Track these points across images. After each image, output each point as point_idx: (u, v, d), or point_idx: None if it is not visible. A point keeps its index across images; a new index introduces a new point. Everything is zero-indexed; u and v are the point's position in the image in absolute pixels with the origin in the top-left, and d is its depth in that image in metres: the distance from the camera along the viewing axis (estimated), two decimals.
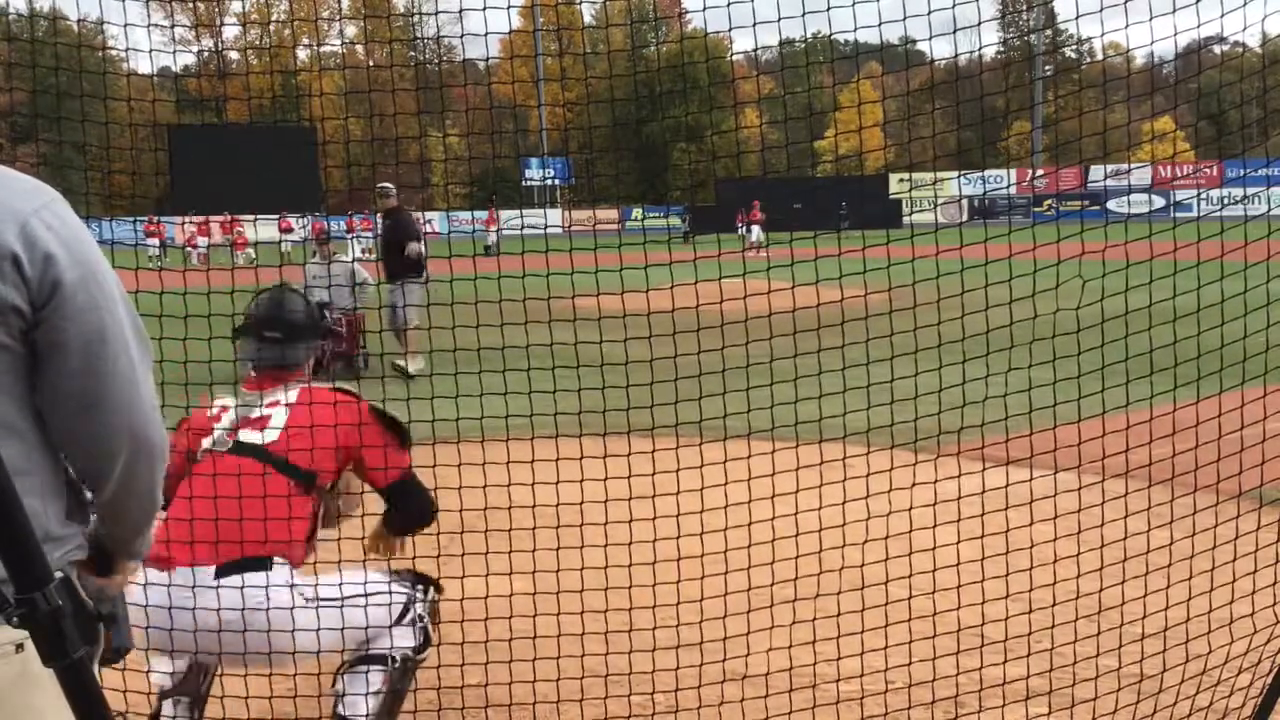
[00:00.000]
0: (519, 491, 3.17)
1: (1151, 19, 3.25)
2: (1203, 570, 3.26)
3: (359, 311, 11.34)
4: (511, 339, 3.46)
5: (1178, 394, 3.41)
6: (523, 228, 45.05)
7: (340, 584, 2.91)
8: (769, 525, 3.27)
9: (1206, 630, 3.20)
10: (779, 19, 3.38)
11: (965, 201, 41.25)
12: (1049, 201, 39.50)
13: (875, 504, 3.35)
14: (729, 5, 3.31)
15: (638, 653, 3.21)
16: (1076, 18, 3.53)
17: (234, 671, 2.98)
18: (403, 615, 2.99)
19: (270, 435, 2.98)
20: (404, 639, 2.99)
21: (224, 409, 3.09)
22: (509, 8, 3.83)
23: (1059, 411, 3.40)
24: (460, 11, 3.52)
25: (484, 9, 3.46)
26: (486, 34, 3.85)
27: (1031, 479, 3.38)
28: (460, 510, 3.17)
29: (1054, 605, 3.32)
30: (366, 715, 2.91)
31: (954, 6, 3.48)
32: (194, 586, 2.71)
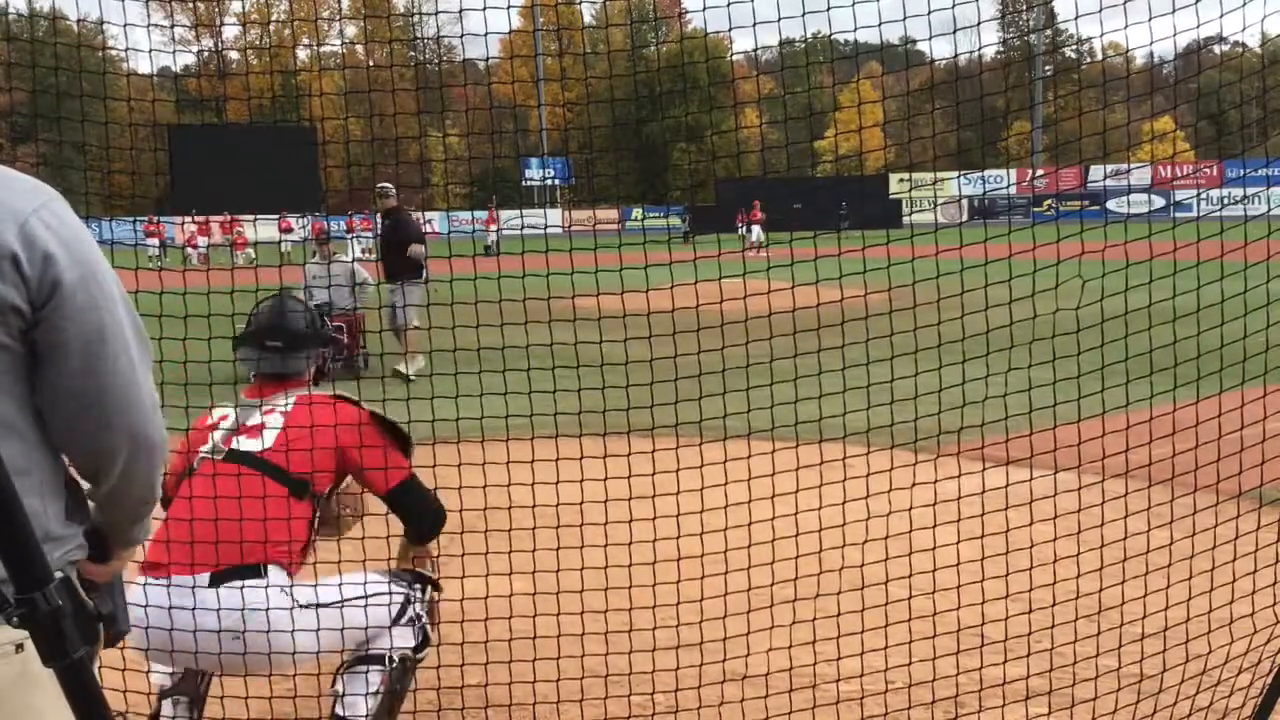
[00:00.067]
0: (519, 491, 3.17)
1: (1151, 19, 3.25)
2: (1203, 570, 3.26)
3: (359, 311, 11.34)
4: (511, 339, 3.46)
5: (1178, 394, 3.41)
6: (523, 228, 45.04)
7: (339, 585, 2.91)
8: (769, 525, 3.27)
9: (1206, 630, 3.20)
10: (779, 19, 3.38)
11: (965, 201, 41.26)
12: (1049, 201, 39.50)
13: (875, 504, 3.35)
14: (729, 5, 3.31)
15: (638, 653, 3.21)
16: (1076, 18, 3.53)
17: (234, 675, 2.98)
18: (401, 614, 2.99)
19: (265, 442, 2.98)
20: (403, 639, 2.99)
21: (223, 417, 3.09)
22: (509, 8, 3.84)
23: (1059, 411, 3.40)
24: (460, 11, 3.52)
25: (484, 9, 3.46)
26: (486, 34, 3.86)
27: (1031, 479, 3.38)
28: (460, 510, 3.17)
29: (1054, 605, 3.32)
30: (366, 715, 2.91)
31: (954, 6, 3.48)
32: (192, 600, 2.71)
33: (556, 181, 52.83)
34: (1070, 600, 3.28)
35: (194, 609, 2.70)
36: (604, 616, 3.21)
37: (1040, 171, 42.23)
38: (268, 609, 2.73)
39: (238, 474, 2.86)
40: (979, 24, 3.64)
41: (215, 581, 2.74)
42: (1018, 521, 3.39)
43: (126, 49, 3.92)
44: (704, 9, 3.40)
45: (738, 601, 3.25)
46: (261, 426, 3.02)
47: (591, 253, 3.51)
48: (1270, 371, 3.63)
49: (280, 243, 30.77)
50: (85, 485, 1.74)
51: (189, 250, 34.27)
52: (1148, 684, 3.19)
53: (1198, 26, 3.27)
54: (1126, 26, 3.29)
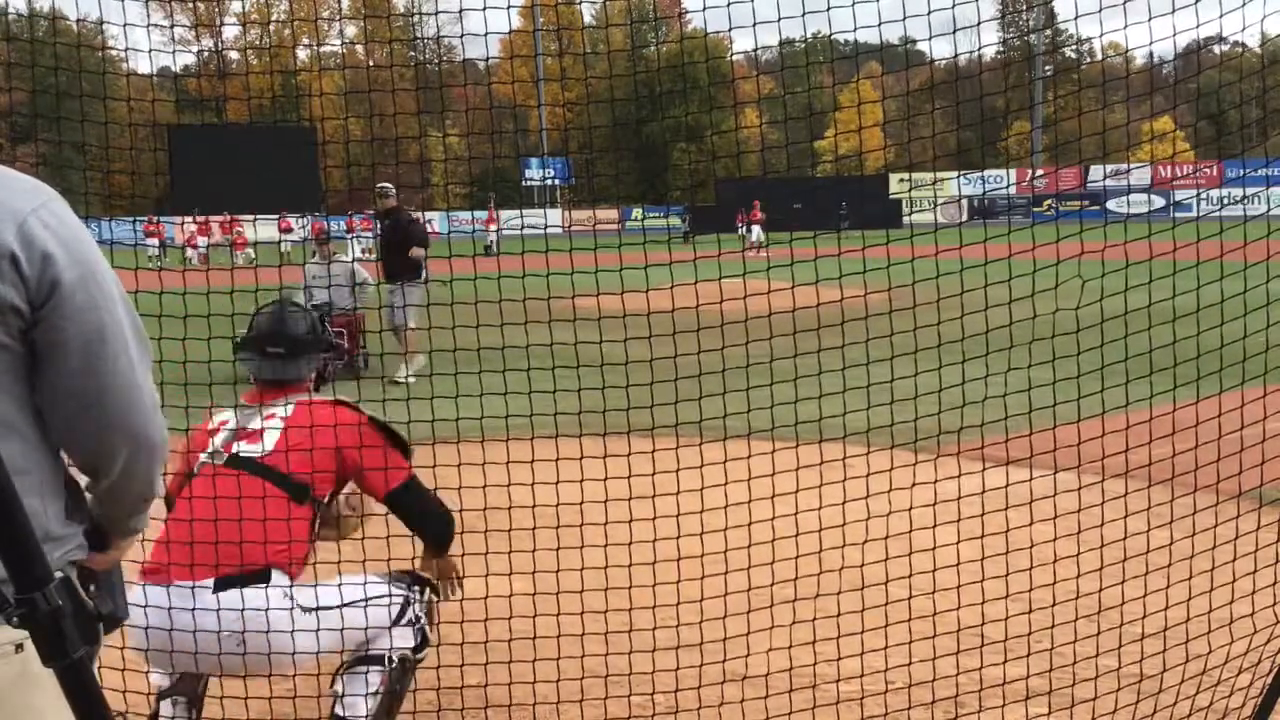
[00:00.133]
0: (519, 491, 3.17)
1: (1151, 19, 3.25)
2: (1203, 570, 3.26)
3: (359, 311, 11.34)
4: (511, 339, 3.46)
5: (1177, 394, 3.41)
6: (523, 228, 45.04)
7: (339, 587, 2.91)
8: (769, 525, 3.27)
9: (1206, 630, 3.20)
10: (779, 19, 3.38)
11: (965, 201, 41.26)
12: (1049, 201, 39.49)
13: (875, 504, 3.35)
14: (729, 5, 3.31)
15: (638, 653, 3.21)
16: (1076, 18, 3.53)
17: (234, 676, 2.98)
18: (400, 616, 2.99)
19: (265, 447, 2.98)
20: (402, 639, 3.00)
21: (223, 423, 3.09)
22: (509, 8, 3.84)
23: (1059, 411, 3.40)
24: (460, 11, 3.52)
25: (484, 9, 3.46)
26: (486, 34, 3.86)
27: (1031, 479, 3.38)
28: (460, 510, 3.17)
29: (1054, 605, 3.32)
30: (365, 715, 2.91)
31: (954, 6, 3.48)
32: (193, 604, 2.71)
33: (556, 181, 52.82)
34: (1070, 600, 3.28)
35: (196, 612, 2.70)
36: (604, 616, 3.21)
37: (1040, 171, 42.23)
38: (269, 611, 2.73)
39: (239, 479, 2.86)
40: (979, 24, 3.64)
41: (220, 586, 2.75)
42: (1018, 521, 3.38)
43: (126, 49, 3.91)
44: (704, 9, 3.41)
45: (738, 601, 3.25)
46: (261, 431, 3.02)
47: (591, 253, 3.51)
48: (1270, 371, 3.63)
49: (280, 243, 30.75)
50: (85, 480, 1.74)
51: (189, 250, 34.26)
52: (1148, 684, 3.19)
53: (1197, 26, 3.27)
54: (1126, 26, 3.29)
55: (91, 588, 1.75)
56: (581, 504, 3.14)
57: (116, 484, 1.72)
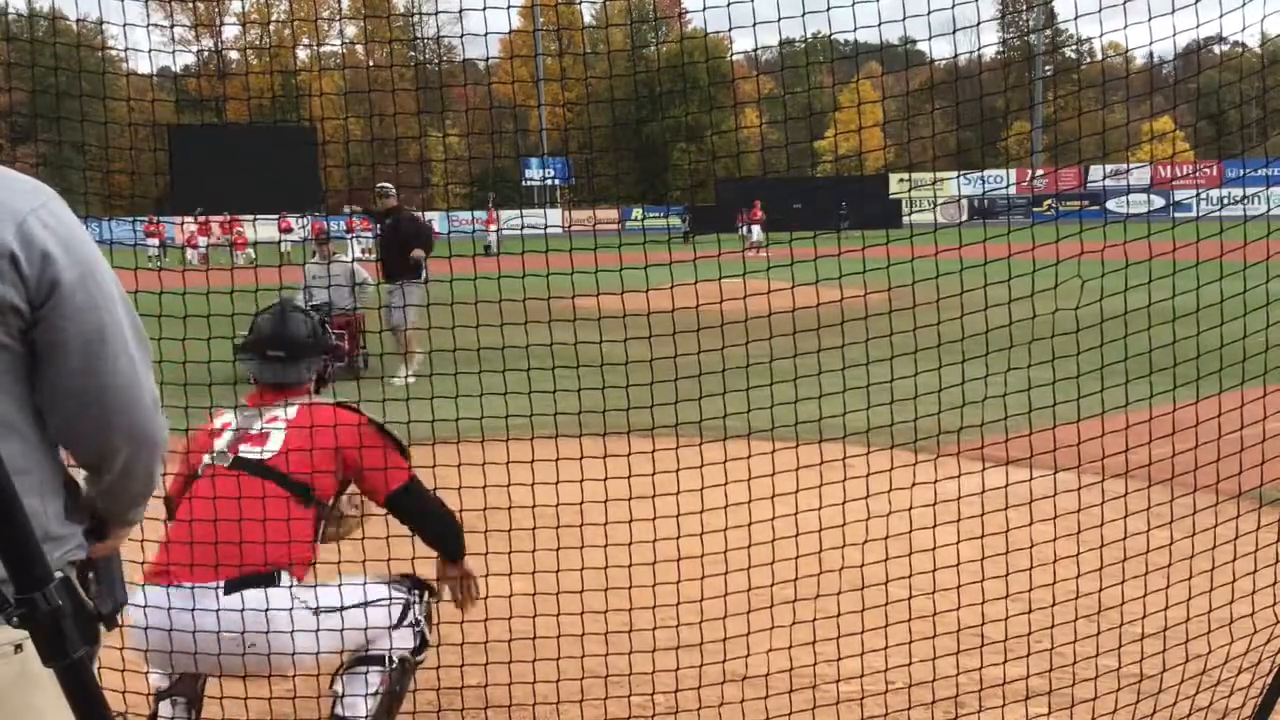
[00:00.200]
0: (519, 491, 3.17)
1: (1151, 19, 3.25)
2: (1203, 570, 3.26)
3: (359, 311, 11.33)
4: (511, 339, 3.46)
5: (1177, 394, 3.41)
6: (523, 228, 45.03)
7: (339, 588, 2.91)
8: (769, 525, 3.27)
9: (1206, 630, 3.20)
10: (779, 19, 3.38)
11: (965, 201, 41.25)
12: (1048, 201, 39.49)
13: (875, 504, 3.35)
14: (729, 5, 3.32)
15: (638, 653, 3.21)
16: (1076, 18, 3.53)
17: (234, 676, 2.98)
18: (401, 619, 3.00)
19: (270, 450, 2.98)
20: (402, 641, 3.00)
21: (225, 425, 3.09)
22: (509, 8, 3.84)
23: (1059, 411, 3.40)
24: (460, 11, 3.52)
25: (484, 9, 3.46)
26: (486, 34, 3.86)
27: (1031, 479, 3.38)
28: (460, 510, 3.17)
29: (1054, 605, 3.32)
30: (365, 716, 2.91)
31: (954, 6, 3.48)
32: (202, 605, 2.71)
33: (556, 181, 52.80)
34: (1070, 600, 3.28)
35: (205, 613, 2.70)
36: (604, 616, 3.21)
37: (1040, 171, 42.22)
38: (277, 613, 2.73)
39: (245, 481, 2.86)
40: (979, 24, 3.64)
41: (230, 588, 2.75)
42: (1018, 521, 3.38)
43: (126, 49, 3.91)
44: (704, 9, 3.41)
45: (738, 602, 3.25)
46: (265, 434, 3.02)
47: (591, 253, 3.51)
48: (1270, 371, 3.63)
49: (280, 243, 30.74)
50: (84, 474, 1.75)
51: (189, 250, 34.25)
52: (1148, 684, 3.19)
53: (1197, 26, 3.28)
54: (1126, 26, 3.29)
55: (90, 576, 1.76)
56: (581, 504, 3.14)
57: (117, 481, 1.72)
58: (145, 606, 2.76)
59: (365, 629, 2.91)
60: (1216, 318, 3.27)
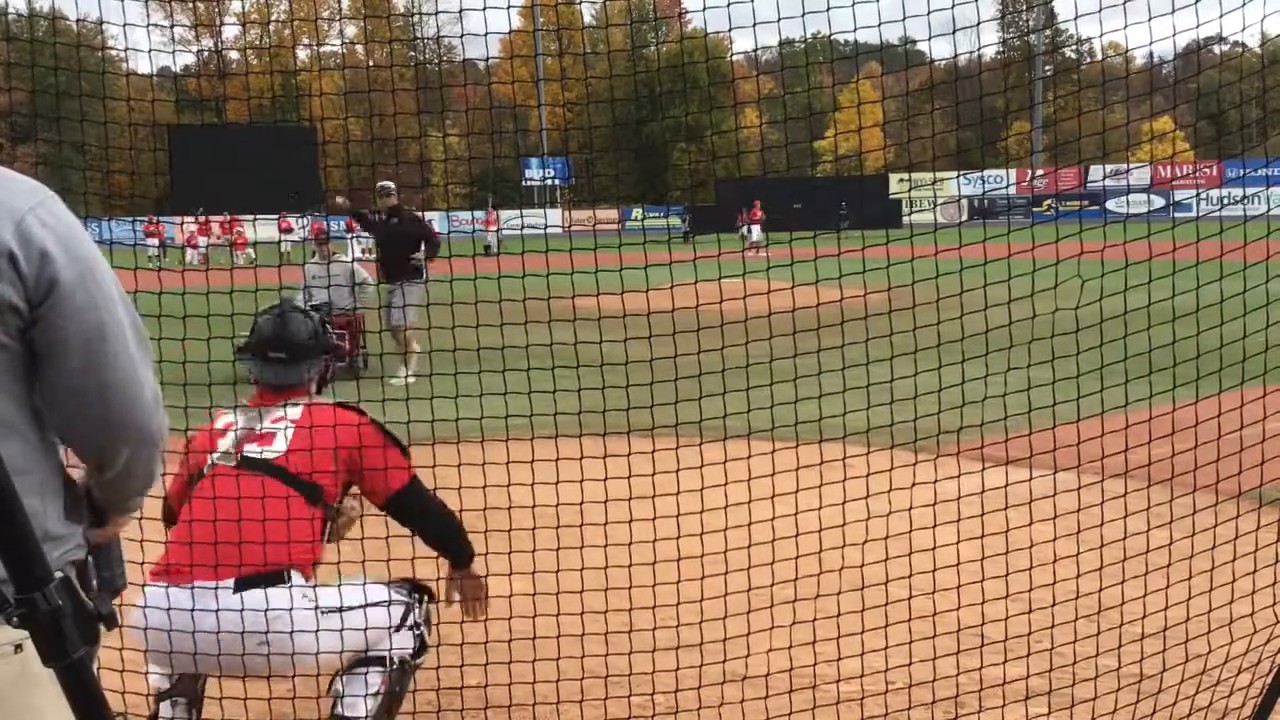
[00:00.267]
0: (519, 491, 3.17)
1: (1151, 19, 3.25)
2: (1203, 570, 3.26)
3: (359, 311, 11.33)
4: (511, 339, 3.46)
5: (1177, 394, 3.41)
6: (523, 228, 45.02)
7: (341, 589, 2.91)
8: (769, 525, 3.27)
9: (1206, 630, 3.19)
10: (779, 19, 3.38)
11: (965, 201, 41.25)
12: (1048, 201, 39.49)
13: (875, 504, 3.35)
14: (729, 5, 3.32)
15: (638, 653, 3.21)
16: (1076, 18, 3.53)
17: (234, 676, 2.98)
18: (402, 622, 3.00)
19: (276, 450, 2.99)
20: (402, 643, 3.00)
21: (228, 425, 3.09)
22: (509, 8, 3.84)
23: (1058, 411, 3.40)
24: (460, 11, 3.52)
25: (484, 9, 3.46)
26: (486, 34, 3.86)
27: (1031, 479, 3.38)
28: (460, 511, 3.17)
29: (1054, 605, 3.32)
30: (366, 716, 2.91)
31: (954, 6, 3.48)
32: (205, 605, 2.71)
33: (556, 181, 52.80)
34: (1070, 600, 3.28)
35: (216, 611, 2.70)
36: (604, 617, 3.21)
37: (1040, 171, 42.22)
38: (287, 612, 2.74)
39: (254, 480, 2.87)
40: (979, 24, 3.65)
41: (240, 587, 2.75)
42: (1018, 521, 3.38)
43: (126, 49, 3.91)
44: (704, 9, 3.41)
45: (738, 602, 3.24)
46: (271, 434, 3.03)
47: (591, 253, 3.51)
48: (1270, 371, 3.63)
49: (280, 243, 30.71)
50: (85, 468, 1.75)
51: (189, 251, 34.25)
52: (1148, 684, 3.19)
53: (1197, 26, 3.28)
54: (1126, 26, 3.29)
55: (90, 561, 1.76)
56: (581, 504, 3.14)
57: (118, 477, 1.73)
58: (147, 607, 2.77)
59: (365, 630, 2.91)
60: (1216, 318, 3.27)
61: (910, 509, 3.28)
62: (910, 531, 3.27)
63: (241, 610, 2.71)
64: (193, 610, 2.70)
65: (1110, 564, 3.20)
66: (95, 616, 1.31)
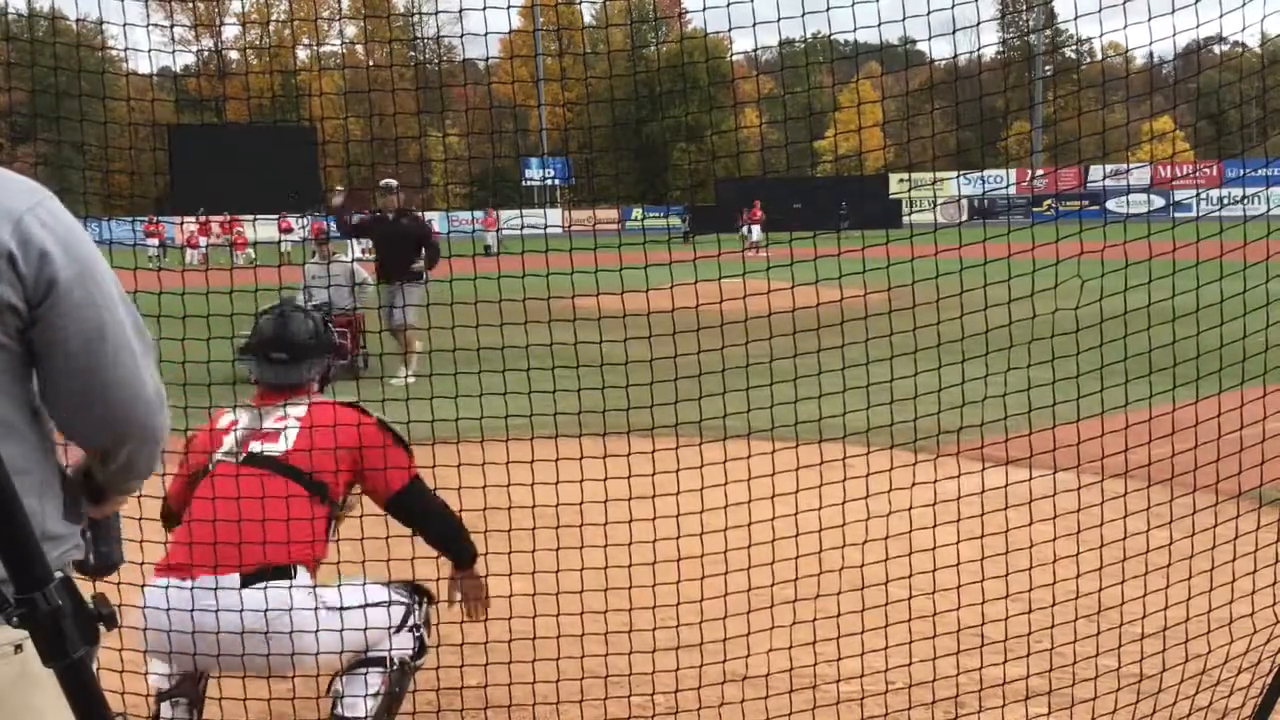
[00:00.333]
0: (519, 491, 3.17)
1: (1151, 19, 3.25)
2: (1202, 570, 3.26)
3: (359, 311, 11.33)
4: (511, 339, 3.46)
5: (1177, 394, 3.41)
6: (523, 228, 45.02)
7: (341, 589, 2.91)
8: (769, 525, 3.27)
9: (1206, 630, 3.19)
10: (779, 19, 3.38)
11: (965, 201, 41.25)
12: (1048, 201, 39.49)
13: (875, 504, 3.35)
14: (729, 5, 3.32)
15: (638, 653, 3.21)
16: (1076, 18, 3.53)
17: (233, 675, 2.98)
18: (402, 623, 3.00)
19: (284, 446, 2.99)
20: (402, 643, 3.00)
21: (232, 423, 3.09)
22: (509, 8, 3.84)
23: (1058, 411, 3.40)
24: (460, 11, 3.52)
25: (484, 9, 3.46)
26: (486, 34, 3.86)
27: (1031, 479, 3.38)
28: (460, 510, 3.17)
29: (1054, 605, 3.32)
30: (366, 716, 2.91)
31: (954, 6, 3.48)
32: (217, 600, 2.72)
33: (556, 181, 52.79)
34: (1070, 600, 3.28)
35: (220, 607, 2.70)
36: (604, 616, 3.21)
37: (1040, 171, 42.22)
38: (292, 608, 2.74)
39: (260, 477, 2.87)
40: (979, 24, 3.65)
41: (246, 583, 2.75)
42: (1017, 521, 3.38)
43: (126, 49, 3.91)
44: (704, 9, 3.41)
45: (738, 602, 3.25)
46: (276, 432, 3.03)
47: (591, 253, 3.51)
48: (1270, 371, 3.63)
49: (280, 243, 30.72)
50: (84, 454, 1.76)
51: (189, 251, 34.25)
52: (1148, 684, 3.19)
53: (1197, 26, 3.28)
54: (1126, 26, 3.30)
55: (88, 534, 1.77)
56: (581, 504, 3.14)
57: (120, 469, 1.75)
58: (148, 607, 2.77)
59: (365, 631, 2.91)
60: (1216, 318, 3.27)
61: (910, 509, 3.28)
62: (910, 531, 3.27)
63: (244, 608, 2.71)
64: (192, 610, 2.70)
65: (1110, 564, 3.20)
66: (95, 616, 1.31)
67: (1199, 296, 3.34)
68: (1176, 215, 4.80)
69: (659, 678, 3.37)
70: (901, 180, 47.96)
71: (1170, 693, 3.14)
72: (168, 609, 2.72)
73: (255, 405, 3.14)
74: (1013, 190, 46.37)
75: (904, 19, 3.44)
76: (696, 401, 3.29)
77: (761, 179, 39.94)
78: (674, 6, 48.51)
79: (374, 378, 8.77)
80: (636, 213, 40.32)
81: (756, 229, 34.05)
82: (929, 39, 3.72)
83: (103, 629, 1.34)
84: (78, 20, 3.59)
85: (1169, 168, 42.23)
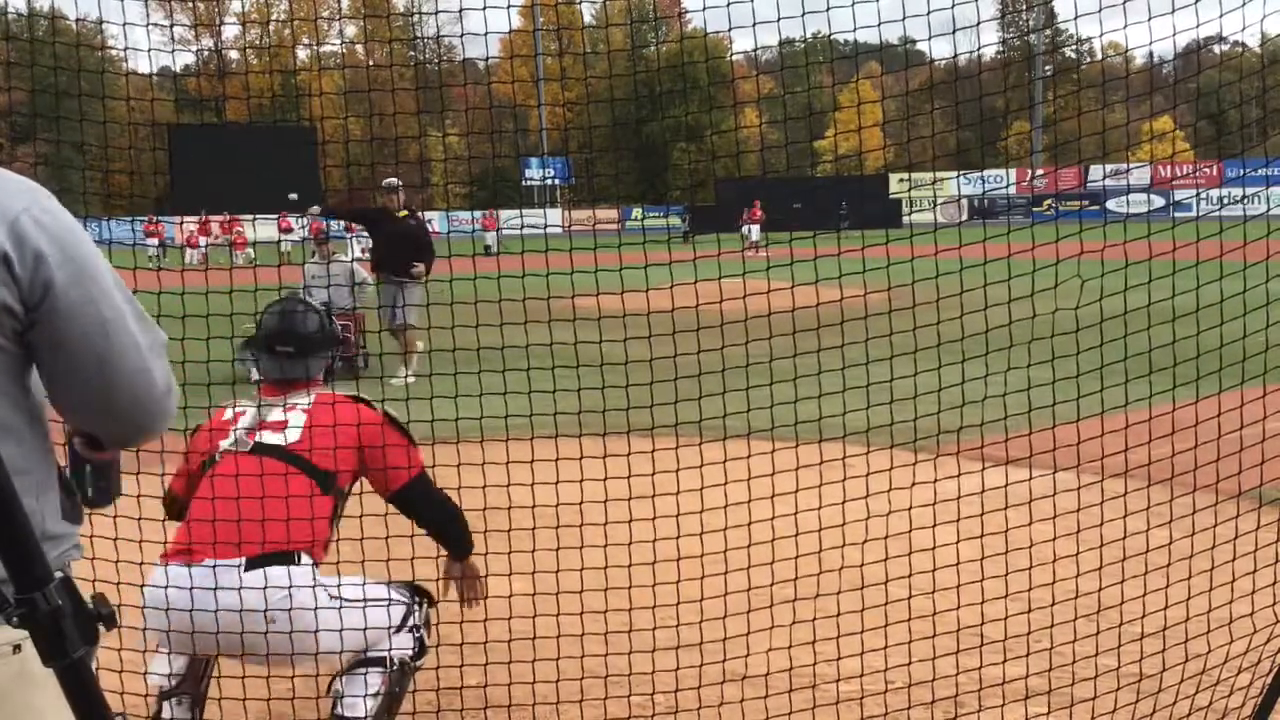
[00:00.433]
0: (519, 491, 3.17)
1: (1151, 19, 3.25)
2: (1202, 570, 3.26)
3: (359, 311, 11.33)
4: (511, 339, 3.46)
5: (1177, 394, 3.41)
6: (523, 228, 45.01)
7: (346, 589, 2.91)
8: (769, 525, 3.27)
9: (1206, 630, 3.19)
10: (779, 19, 3.38)
11: (965, 201, 41.25)
12: (1048, 201, 39.50)
13: (875, 504, 3.35)
14: (729, 5, 3.32)
15: (637, 653, 3.21)
16: (1076, 18, 3.53)
17: (238, 667, 2.98)
18: (402, 624, 3.00)
19: (290, 436, 2.99)
20: (402, 643, 3.01)
21: (238, 414, 3.10)
22: (509, 8, 3.84)
23: (1058, 411, 3.40)
24: (460, 11, 3.52)
25: (484, 9, 3.46)
26: (486, 34, 3.86)
27: (1031, 479, 3.38)
28: (460, 510, 3.17)
29: (1053, 605, 3.32)
30: (366, 716, 2.91)
31: (954, 6, 3.48)
32: (221, 581, 2.72)
33: (556, 181, 52.79)
34: (1070, 600, 3.28)
35: (221, 593, 2.71)
36: (604, 616, 3.21)
37: (1040, 171, 42.22)
38: (293, 595, 2.76)
39: (260, 471, 2.87)
40: (979, 24, 3.65)
41: (251, 566, 2.76)
42: (1017, 521, 3.38)
43: (126, 48, 3.91)
44: (704, 9, 3.41)
45: (738, 601, 3.24)
46: (284, 423, 3.03)
47: (591, 253, 3.51)
48: (1270, 371, 3.63)
49: (280, 243, 30.73)
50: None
51: (189, 250, 34.26)
52: (1147, 684, 3.19)
53: (1197, 26, 3.28)
54: (1126, 26, 3.30)
55: (88, 470, 1.77)
56: (581, 504, 3.14)
57: (124, 448, 1.78)
58: (150, 585, 2.78)
59: (365, 630, 2.92)
60: (1216, 318, 3.27)
61: (910, 509, 3.27)
62: (910, 531, 3.27)
63: (244, 586, 2.71)
64: (192, 588, 2.70)
65: (1110, 564, 3.20)
66: (95, 616, 1.31)
67: (1199, 296, 3.34)
68: (1176, 215, 4.80)
69: (659, 678, 3.37)
70: (901, 180, 47.96)
71: (1170, 693, 3.14)
72: (167, 587, 2.72)
73: (265, 396, 3.15)
74: (1013, 190, 46.38)
75: (904, 19, 3.44)
76: (696, 401, 3.29)
77: (761, 179, 39.93)
78: (674, 6, 48.52)
79: (374, 378, 8.79)
80: (636, 213, 40.33)
81: (756, 229, 34.05)
82: (929, 39, 3.72)
83: (102, 629, 1.34)
84: (77, 20, 3.59)
85: (1169, 168, 42.25)
